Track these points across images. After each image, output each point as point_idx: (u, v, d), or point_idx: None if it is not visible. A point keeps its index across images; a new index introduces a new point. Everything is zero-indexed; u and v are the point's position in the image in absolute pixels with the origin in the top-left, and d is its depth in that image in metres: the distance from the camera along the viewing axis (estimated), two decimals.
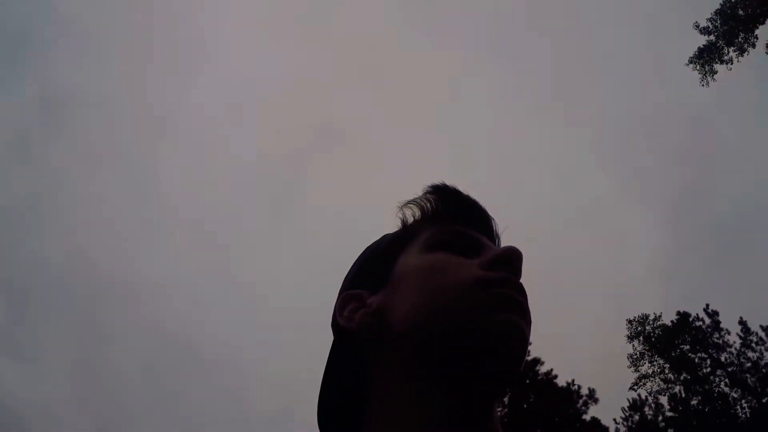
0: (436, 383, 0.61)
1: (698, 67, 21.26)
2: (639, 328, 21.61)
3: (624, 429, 20.44)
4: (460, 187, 0.80)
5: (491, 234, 0.79)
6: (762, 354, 20.31)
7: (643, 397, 20.64)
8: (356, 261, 0.80)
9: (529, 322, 0.65)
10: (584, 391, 19.81)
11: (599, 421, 19.57)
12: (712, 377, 20.56)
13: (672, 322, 21.29)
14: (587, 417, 19.51)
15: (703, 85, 21.47)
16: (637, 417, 20.47)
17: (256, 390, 61.76)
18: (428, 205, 0.79)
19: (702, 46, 21.18)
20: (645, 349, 21.34)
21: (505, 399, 17.76)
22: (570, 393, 19.57)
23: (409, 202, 0.80)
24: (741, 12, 20.93)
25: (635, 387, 21.02)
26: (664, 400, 20.71)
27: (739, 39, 21.04)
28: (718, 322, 20.99)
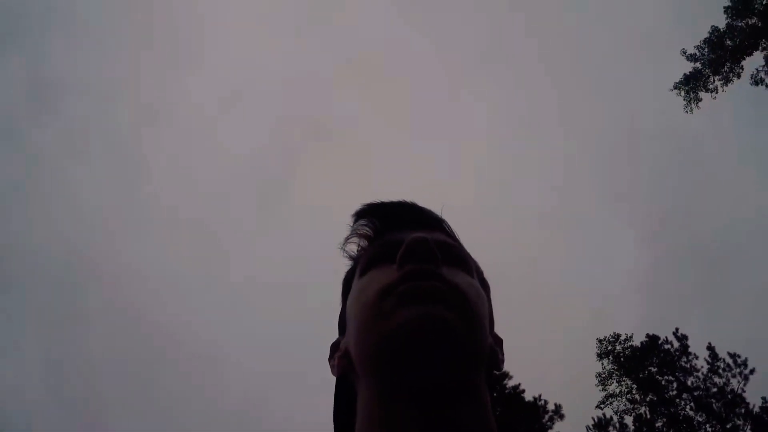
0: (396, 403, 0.60)
1: (683, 93, 21.50)
2: (609, 347, 21.78)
3: None
4: (382, 199, 0.79)
5: (429, 225, 0.76)
6: (728, 380, 20.50)
7: (609, 416, 20.78)
8: None
9: (455, 304, 0.60)
10: (551, 407, 19.90)
11: None
12: (678, 400, 20.72)
13: (642, 343, 21.48)
14: None
15: (686, 111, 21.73)
16: None
17: (230, 385, 61.46)
18: (364, 229, 0.78)
19: (688, 73, 21.43)
20: (614, 369, 21.50)
21: None
22: (536, 408, 19.64)
23: (347, 239, 0.79)
24: (729, 42, 21.20)
25: (602, 406, 21.17)
26: (629, 420, 20.85)
27: (725, 69, 21.30)
28: (687, 347, 21.19)
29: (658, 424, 20.65)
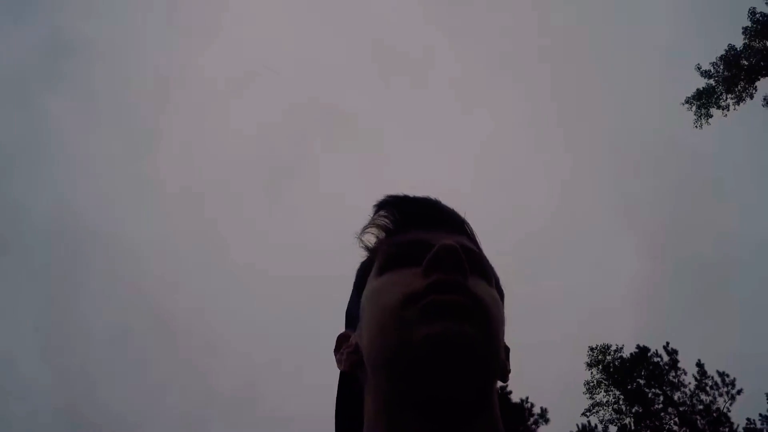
0: (406, 411, 0.58)
1: (694, 108, 21.44)
2: (600, 357, 21.85)
3: None
4: (408, 193, 0.76)
5: (452, 226, 0.74)
6: (715, 398, 20.59)
7: (594, 424, 20.90)
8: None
9: (479, 321, 0.59)
10: (537, 410, 20.02)
11: None
12: (663, 414, 20.83)
13: (631, 354, 21.56)
14: None
15: (696, 127, 21.67)
16: None
17: (223, 365, 61.72)
18: (384, 221, 0.75)
19: (701, 89, 21.35)
20: (603, 378, 21.59)
21: None
22: (522, 410, 19.77)
23: (365, 228, 0.77)
24: (744, 62, 21.12)
25: (588, 413, 21.29)
26: (613, 430, 20.97)
27: (739, 88, 21.23)
28: (677, 361, 21.27)
29: None
